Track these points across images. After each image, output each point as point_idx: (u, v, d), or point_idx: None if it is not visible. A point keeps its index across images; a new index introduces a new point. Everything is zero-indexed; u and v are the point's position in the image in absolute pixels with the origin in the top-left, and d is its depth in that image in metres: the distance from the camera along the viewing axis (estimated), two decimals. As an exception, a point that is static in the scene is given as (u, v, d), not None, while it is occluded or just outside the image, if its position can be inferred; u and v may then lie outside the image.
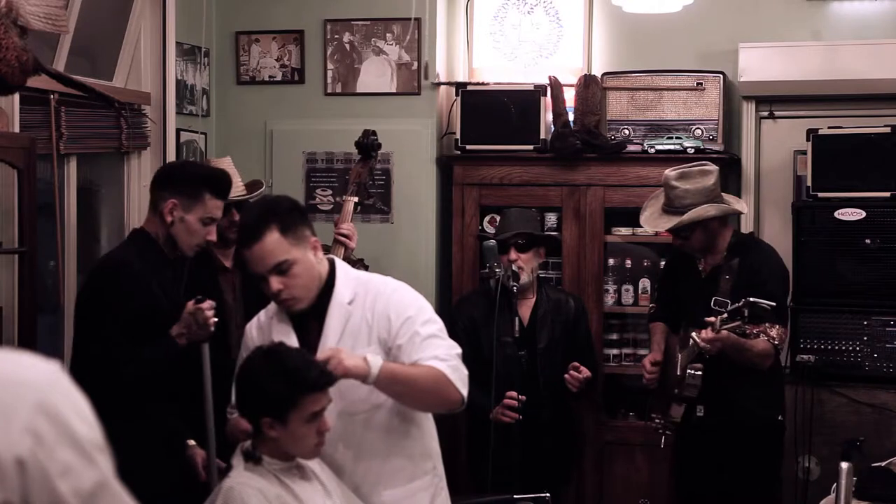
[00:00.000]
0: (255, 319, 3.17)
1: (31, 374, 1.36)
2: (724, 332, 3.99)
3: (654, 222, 4.42)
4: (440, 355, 2.96)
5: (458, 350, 3.03)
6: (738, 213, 4.59)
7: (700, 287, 4.33)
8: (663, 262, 5.04)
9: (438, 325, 3.05)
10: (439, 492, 3.16)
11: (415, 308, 3.04)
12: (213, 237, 3.67)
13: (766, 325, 4.02)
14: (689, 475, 4.45)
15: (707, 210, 4.25)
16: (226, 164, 4.34)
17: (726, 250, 4.31)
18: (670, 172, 4.36)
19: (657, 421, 4.38)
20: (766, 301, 3.92)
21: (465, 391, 2.99)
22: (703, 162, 4.49)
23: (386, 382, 2.88)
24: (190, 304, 3.42)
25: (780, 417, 4.34)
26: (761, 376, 4.22)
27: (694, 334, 4.05)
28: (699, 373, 4.12)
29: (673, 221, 4.29)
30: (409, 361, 2.95)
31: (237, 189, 4.18)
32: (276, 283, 2.94)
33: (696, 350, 4.09)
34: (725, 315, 3.99)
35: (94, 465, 1.37)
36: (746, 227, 5.07)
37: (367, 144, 4.48)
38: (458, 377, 2.98)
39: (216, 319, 3.43)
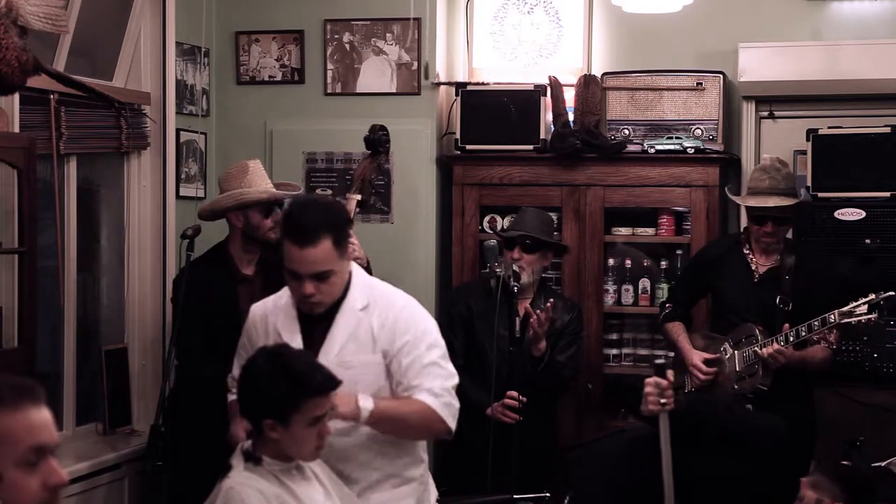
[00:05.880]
0: (261, 303, 3.21)
1: None
2: (788, 350, 4.13)
3: (769, 200, 4.39)
4: (435, 389, 3.03)
5: (455, 381, 3.10)
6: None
7: (755, 288, 4.36)
8: (680, 256, 5.08)
9: (441, 349, 3.11)
10: (425, 496, 3.19)
11: (422, 328, 3.10)
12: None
13: (825, 329, 4.10)
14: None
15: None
16: (253, 165, 4.38)
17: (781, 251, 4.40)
18: (770, 156, 4.62)
19: None
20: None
21: (453, 424, 3.07)
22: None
23: (375, 422, 2.97)
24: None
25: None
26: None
27: (758, 350, 4.18)
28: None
29: (793, 201, 4.42)
30: (406, 384, 3.01)
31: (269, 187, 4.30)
32: (310, 287, 2.98)
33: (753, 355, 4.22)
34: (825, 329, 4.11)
35: None
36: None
37: (375, 140, 4.40)
38: (449, 413, 3.06)
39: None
